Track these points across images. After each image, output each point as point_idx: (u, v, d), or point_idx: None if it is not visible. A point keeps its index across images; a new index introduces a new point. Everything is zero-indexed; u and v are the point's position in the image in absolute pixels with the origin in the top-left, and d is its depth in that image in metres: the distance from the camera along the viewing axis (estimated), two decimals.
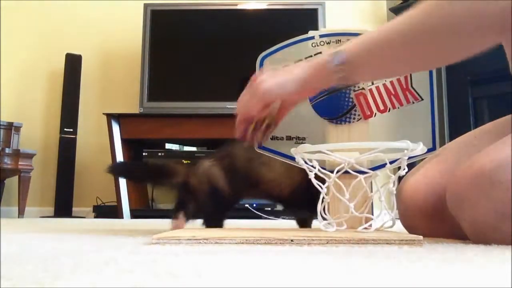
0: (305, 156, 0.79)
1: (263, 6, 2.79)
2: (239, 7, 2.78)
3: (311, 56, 0.95)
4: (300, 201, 0.95)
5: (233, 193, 0.94)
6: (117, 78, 3.08)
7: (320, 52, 0.95)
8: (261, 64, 0.96)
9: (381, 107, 0.93)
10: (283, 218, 2.34)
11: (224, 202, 0.94)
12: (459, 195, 0.73)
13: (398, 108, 0.93)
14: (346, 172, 0.78)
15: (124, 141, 2.60)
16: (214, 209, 0.95)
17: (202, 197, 0.93)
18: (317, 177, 0.80)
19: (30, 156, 2.65)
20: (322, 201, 0.79)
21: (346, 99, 0.93)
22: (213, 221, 0.95)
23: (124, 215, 2.51)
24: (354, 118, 0.92)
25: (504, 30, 0.63)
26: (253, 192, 0.97)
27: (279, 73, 0.77)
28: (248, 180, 0.94)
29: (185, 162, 2.57)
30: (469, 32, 0.65)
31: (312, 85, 0.77)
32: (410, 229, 0.91)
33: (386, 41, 0.71)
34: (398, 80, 0.93)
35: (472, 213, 0.71)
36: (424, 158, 0.95)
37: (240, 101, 0.79)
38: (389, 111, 0.93)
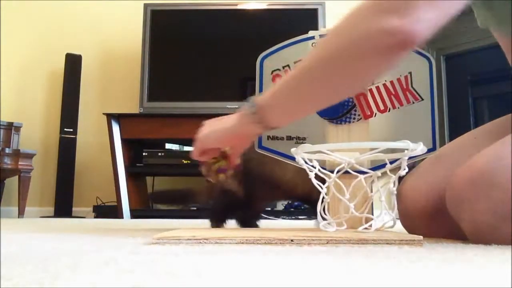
0: (305, 156, 0.79)
1: (263, 6, 2.79)
2: (239, 7, 2.78)
3: None
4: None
5: (245, 195, 0.95)
6: (117, 78, 3.09)
7: None
8: (261, 64, 0.96)
9: (381, 107, 0.93)
10: (283, 218, 2.34)
11: (233, 203, 0.95)
12: (459, 196, 0.73)
13: (398, 108, 0.93)
14: (346, 172, 0.78)
15: (124, 141, 2.60)
16: (221, 209, 0.99)
17: (215, 198, 0.98)
18: (317, 177, 0.80)
19: (30, 156, 2.65)
20: (322, 201, 0.79)
21: (347, 99, 0.92)
22: (216, 221, 0.97)
23: (124, 215, 2.51)
24: (354, 118, 0.92)
25: (379, 50, 0.65)
26: (269, 194, 0.98)
27: (217, 122, 0.84)
28: (263, 182, 0.95)
29: (185, 162, 2.57)
30: (354, 58, 0.68)
31: (241, 134, 0.81)
32: (410, 229, 0.91)
33: (290, 81, 0.74)
34: (398, 80, 0.93)
35: (472, 214, 0.71)
36: (424, 158, 0.95)
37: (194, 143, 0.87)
38: (389, 111, 0.93)
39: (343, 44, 0.68)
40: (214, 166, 0.88)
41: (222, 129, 0.82)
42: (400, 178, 0.82)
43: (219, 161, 0.88)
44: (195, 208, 2.48)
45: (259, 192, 0.96)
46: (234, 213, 0.99)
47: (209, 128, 0.84)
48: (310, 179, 0.82)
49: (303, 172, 0.87)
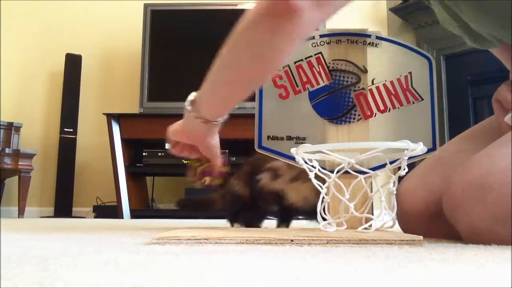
0: (305, 156, 0.79)
1: None
2: (239, 7, 2.78)
3: (311, 56, 0.95)
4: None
5: (253, 198, 0.96)
6: (117, 78, 3.08)
7: (321, 52, 0.95)
8: None
9: (381, 107, 0.93)
10: None
11: (243, 206, 0.97)
12: (454, 202, 0.74)
13: (398, 108, 0.93)
14: (346, 172, 0.78)
15: (124, 141, 2.60)
16: (234, 212, 1.03)
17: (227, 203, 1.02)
18: (317, 177, 0.80)
19: (30, 156, 2.65)
20: (322, 201, 0.79)
21: (346, 99, 0.92)
22: (231, 221, 1.04)
23: (124, 215, 2.51)
24: (354, 118, 0.92)
25: (266, 19, 0.70)
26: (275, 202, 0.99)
27: (183, 121, 0.89)
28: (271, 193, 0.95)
29: (185, 162, 2.57)
30: (248, 33, 0.74)
31: (190, 130, 0.87)
32: (408, 231, 0.91)
33: (210, 72, 0.80)
34: (399, 80, 0.93)
35: (468, 219, 0.71)
36: (424, 159, 0.95)
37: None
38: (389, 111, 0.93)
39: (242, 25, 0.75)
40: (199, 169, 0.92)
41: (180, 125, 0.89)
42: (400, 178, 0.82)
43: (202, 164, 0.92)
44: (177, 207, 2.48)
45: (265, 199, 0.97)
46: (239, 214, 1.00)
47: (174, 125, 0.92)
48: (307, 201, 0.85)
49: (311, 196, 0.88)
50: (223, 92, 0.82)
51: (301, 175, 0.91)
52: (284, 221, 1.00)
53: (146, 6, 2.81)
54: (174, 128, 0.92)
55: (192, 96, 0.84)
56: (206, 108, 0.83)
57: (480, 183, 0.70)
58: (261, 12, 0.70)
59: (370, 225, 0.80)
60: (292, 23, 0.68)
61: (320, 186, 0.79)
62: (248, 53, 0.74)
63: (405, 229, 0.93)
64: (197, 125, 0.85)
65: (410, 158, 0.78)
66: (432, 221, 0.86)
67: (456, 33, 0.98)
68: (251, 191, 0.94)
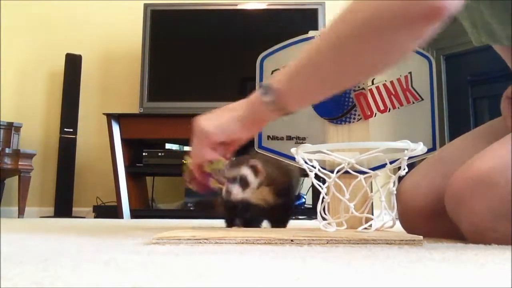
0: (305, 156, 0.79)
1: (263, 6, 2.79)
2: (239, 7, 2.78)
3: None
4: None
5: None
6: (117, 78, 3.08)
7: None
8: (261, 64, 0.96)
9: (381, 107, 0.93)
10: None
11: (235, 208, 0.96)
12: (457, 198, 0.74)
13: (398, 108, 0.93)
14: (346, 172, 0.78)
15: (124, 141, 2.60)
16: (227, 213, 1.01)
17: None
18: (317, 177, 0.80)
19: (30, 156, 2.65)
20: (322, 201, 0.79)
21: (346, 99, 0.93)
22: (227, 222, 1.02)
23: (124, 215, 2.51)
24: (354, 118, 0.92)
25: (405, 21, 0.61)
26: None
27: (218, 114, 0.79)
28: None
29: (185, 162, 2.57)
30: (378, 31, 0.63)
31: (252, 122, 0.77)
32: (409, 229, 0.91)
33: (308, 62, 0.71)
34: (399, 80, 0.93)
35: (470, 215, 0.71)
36: (424, 159, 0.95)
37: (192, 151, 0.81)
38: (389, 111, 0.93)
39: (364, 18, 0.63)
40: (211, 168, 0.80)
41: (231, 119, 0.76)
42: (400, 178, 0.82)
43: (218, 164, 0.80)
44: (194, 208, 2.48)
45: (234, 207, 0.97)
46: (238, 214, 0.99)
47: (210, 121, 0.78)
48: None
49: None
50: (328, 86, 0.73)
51: (265, 180, 0.91)
52: (250, 223, 1.00)
53: (146, 6, 2.81)
54: (217, 127, 0.77)
55: (267, 88, 0.73)
56: (296, 101, 0.73)
57: (484, 180, 0.70)
58: (396, 13, 0.60)
59: (370, 225, 0.80)
60: (433, 25, 0.60)
61: (320, 186, 0.79)
62: (369, 54, 0.66)
63: (407, 227, 0.93)
64: (270, 116, 0.74)
65: (410, 158, 0.78)
66: (433, 219, 0.86)
67: (465, 25, 0.94)
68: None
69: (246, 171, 0.88)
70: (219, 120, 0.78)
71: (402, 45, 0.65)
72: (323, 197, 0.80)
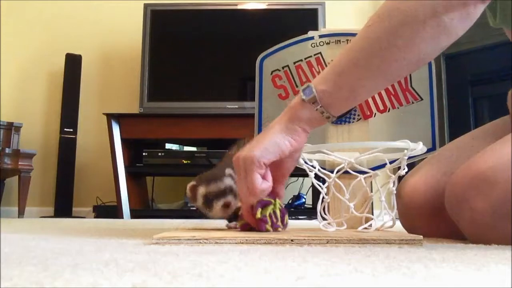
0: (305, 156, 0.79)
1: (263, 6, 2.79)
2: (239, 7, 2.78)
3: (310, 56, 0.95)
4: None
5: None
6: (117, 78, 3.09)
7: (320, 53, 0.95)
8: (261, 64, 0.96)
9: (381, 107, 0.93)
10: None
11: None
12: (458, 196, 0.74)
13: (398, 108, 0.93)
14: (346, 172, 0.79)
15: (124, 141, 2.60)
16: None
17: None
18: (317, 177, 0.80)
19: (30, 156, 2.65)
20: (322, 201, 0.79)
21: None
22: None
23: (124, 215, 2.51)
24: (354, 118, 0.92)
25: (448, 8, 0.63)
26: None
27: (258, 139, 0.71)
28: None
29: (185, 162, 2.57)
30: (421, 20, 0.64)
31: (294, 130, 0.70)
32: (410, 228, 0.91)
33: (349, 61, 0.69)
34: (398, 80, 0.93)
35: (471, 214, 0.71)
36: (424, 158, 0.95)
37: (240, 190, 0.72)
38: (389, 111, 0.93)
39: (407, 7, 0.64)
40: (263, 213, 0.70)
41: (273, 135, 0.69)
42: (400, 178, 0.82)
43: (264, 208, 0.70)
44: (194, 208, 2.48)
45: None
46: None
47: (252, 149, 0.69)
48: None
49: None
50: (369, 84, 0.70)
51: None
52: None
53: (146, 6, 2.81)
54: (253, 153, 0.68)
55: (308, 89, 0.69)
56: (336, 103, 0.69)
57: (485, 178, 0.70)
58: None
59: (370, 225, 0.80)
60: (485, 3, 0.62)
61: (320, 186, 0.79)
62: (426, 40, 0.65)
63: (407, 226, 0.93)
64: (312, 121, 0.70)
65: (410, 158, 0.78)
66: (433, 217, 0.86)
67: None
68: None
69: (229, 181, 0.81)
70: (261, 143, 0.70)
71: (457, 28, 0.65)
72: (323, 197, 0.80)
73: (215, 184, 0.81)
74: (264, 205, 0.70)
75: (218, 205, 0.80)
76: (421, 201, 0.88)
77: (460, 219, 0.74)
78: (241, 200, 0.73)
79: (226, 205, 0.80)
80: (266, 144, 0.69)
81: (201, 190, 0.82)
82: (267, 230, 0.70)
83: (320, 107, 0.68)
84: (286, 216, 0.76)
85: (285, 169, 0.73)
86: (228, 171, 0.82)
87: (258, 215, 0.70)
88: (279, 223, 0.72)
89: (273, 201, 0.71)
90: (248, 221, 0.72)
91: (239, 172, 0.70)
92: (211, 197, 0.80)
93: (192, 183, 0.84)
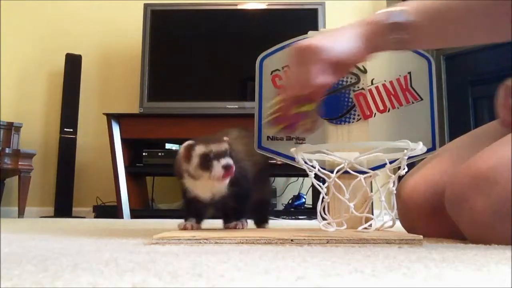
0: (305, 156, 0.79)
1: (263, 6, 2.79)
2: (239, 7, 2.78)
3: None
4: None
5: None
6: (117, 78, 3.08)
7: None
8: (261, 64, 0.96)
9: (381, 107, 0.93)
10: (283, 218, 2.34)
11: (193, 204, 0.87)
12: (458, 196, 0.74)
13: (398, 108, 0.93)
14: (346, 172, 0.79)
15: (124, 141, 2.60)
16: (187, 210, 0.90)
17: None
18: (317, 177, 0.80)
19: (30, 156, 2.65)
20: (322, 201, 0.79)
21: (346, 99, 0.93)
22: (187, 220, 0.88)
23: (124, 215, 2.51)
24: (354, 118, 0.92)
25: None
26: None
27: (334, 33, 0.65)
28: None
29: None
30: None
31: (372, 43, 0.66)
32: (410, 229, 0.91)
33: (465, 5, 0.64)
34: (398, 80, 0.93)
35: (471, 214, 0.71)
36: (424, 158, 0.95)
37: (290, 77, 0.67)
38: (389, 111, 0.93)
39: None
40: (302, 109, 0.66)
41: (353, 35, 0.64)
42: (400, 178, 0.82)
43: (305, 105, 0.66)
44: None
45: None
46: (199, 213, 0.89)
47: (324, 39, 0.64)
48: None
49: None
50: (463, 31, 0.66)
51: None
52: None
53: (146, 6, 2.81)
54: (324, 43, 0.62)
55: (402, 13, 0.65)
56: (423, 38, 0.66)
57: (486, 177, 0.70)
58: None
59: (370, 225, 0.80)
60: None
61: (320, 186, 0.79)
62: None
63: (407, 226, 0.93)
64: (385, 43, 0.66)
65: (410, 158, 0.78)
66: (433, 218, 0.86)
67: None
68: None
69: (227, 146, 0.79)
70: (336, 37, 0.64)
71: None
72: (323, 197, 0.80)
73: (215, 144, 0.77)
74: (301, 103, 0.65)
75: (218, 165, 0.75)
76: (421, 201, 0.88)
77: (460, 219, 0.74)
78: (285, 91, 0.68)
79: (227, 167, 0.75)
80: (344, 41, 0.63)
81: (199, 149, 0.77)
82: (297, 129, 0.67)
83: (401, 36, 0.64)
84: (317, 121, 0.71)
85: (347, 69, 0.68)
86: (225, 138, 0.79)
87: (296, 110, 0.65)
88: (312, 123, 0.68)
89: (312, 103, 0.67)
90: (286, 110, 0.68)
91: (297, 60, 0.64)
92: (211, 156, 0.76)
93: (189, 142, 0.79)
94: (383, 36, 0.65)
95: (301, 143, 0.91)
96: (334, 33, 0.66)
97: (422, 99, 0.92)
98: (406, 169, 0.77)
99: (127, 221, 2.17)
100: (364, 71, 0.93)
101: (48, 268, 0.41)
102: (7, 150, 2.55)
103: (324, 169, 0.82)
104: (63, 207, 2.74)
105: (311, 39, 0.65)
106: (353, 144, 0.88)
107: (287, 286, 0.34)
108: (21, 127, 2.76)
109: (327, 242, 0.66)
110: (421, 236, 0.68)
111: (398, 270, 0.42)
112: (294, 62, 0.66)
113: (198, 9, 2.83)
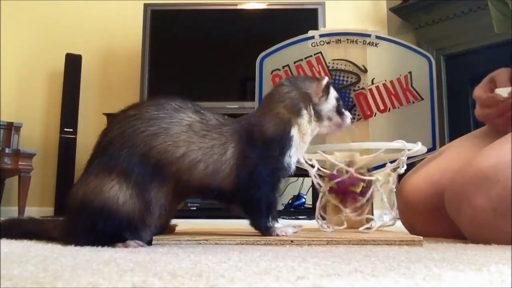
0: (305, 156, 0.79)
1: (263, 6, 2.79)
2: (239, 7, 2.78)
3: (311, 55, 0.95)
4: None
5: None
6: (117, 78, 3.08)
7: (320, 52, 0.95)
8: (261, 64, 0.96)
9: (381, 107, 0.93)
10: (283, 218, 2.34)
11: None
12: (458, 194, 0.74)
13: (398, 108, 0.93)
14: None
15: None
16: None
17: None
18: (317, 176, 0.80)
19: (30, 156, 2.64)
20: (321, 200, 0.79)
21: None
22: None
23: None
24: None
25: None
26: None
27: None
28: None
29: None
30: None
31: None
32: (410, 227, 0.91)
33: None
34: (398, 80, 0.93)
35: (471, 212, 0.71)
36: (424, 158, 0.95)
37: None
38: (389, 110, 0.93)
39: None
40: None
41: None
42: (400, 177, 0.82)
43: None
44: (194, 208, 2.48)
45: None
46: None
47: None
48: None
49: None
50: None
51: None
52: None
53: (146, 6, 2.81)
54: None
55: None
56: None
57: (485, 176, 0.70)
58: None
59: (371, 225, 0.80)
60: None
61: (320, 185, 0.79)
62: None
63: (407, 225, 0.93)
64: None
65: (410, 158, 0.78)
66: (433, 216, 0.86)
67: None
68: None
69: None
70: None
71: None
72: (322, 196, 0.80)
73: None
74: None
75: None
76: (421, 200, 0.88)
77: (460, 217, 0.74)
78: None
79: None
80: None
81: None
82: None
83: None
84: None
85: None
86: None
87: None
88: None
89: None
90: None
91: None
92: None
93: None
94: None
95: None
96: None
97: (422, 99, 0.92)
98: (405, 167, 0.77)
99: None
100: (365, 71, 0.93)
101: (48, 268, 0.41)
102: (7, 150, 2.55)
103: (324, 168, 0.81)
104: (63, 207, 2.73)
105: None
106: (350, 145, 0.88)
107: (287, 286, 0.34)
108: (21, 127, 2.76)
109: (327, 243, 0.66)
110: (421, 236, 0.68)
111: (398, 270, 0.41)
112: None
113: (198, 9, 2.83)
